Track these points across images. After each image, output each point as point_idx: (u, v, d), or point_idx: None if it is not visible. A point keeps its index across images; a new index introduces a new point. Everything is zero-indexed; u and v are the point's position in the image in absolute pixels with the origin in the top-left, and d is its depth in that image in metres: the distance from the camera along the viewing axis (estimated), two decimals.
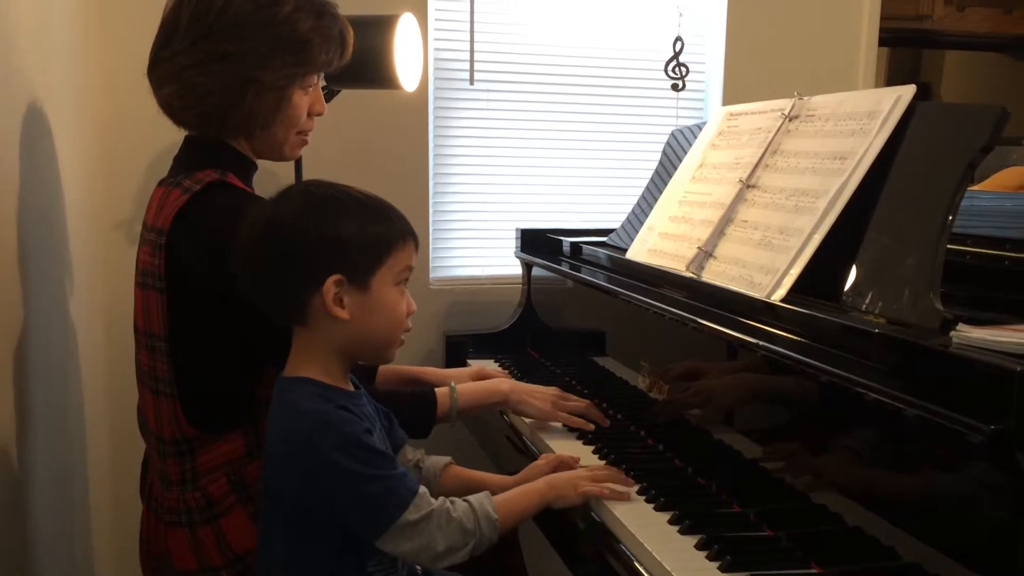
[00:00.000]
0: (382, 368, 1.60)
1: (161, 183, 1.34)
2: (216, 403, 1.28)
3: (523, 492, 1.22)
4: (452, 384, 1.52)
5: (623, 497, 1.24)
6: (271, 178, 1.38)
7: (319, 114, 1.40)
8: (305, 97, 1.35)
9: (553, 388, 1.59)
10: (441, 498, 1.13)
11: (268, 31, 1.28)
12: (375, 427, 1.15)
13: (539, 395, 1.56)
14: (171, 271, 1.26)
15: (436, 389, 1.50)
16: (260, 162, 1.40)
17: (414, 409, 1.44)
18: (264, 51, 1.27)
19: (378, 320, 1.13)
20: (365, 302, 1.11)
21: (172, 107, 1.31)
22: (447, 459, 1.33)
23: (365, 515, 1.08)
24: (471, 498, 1.15)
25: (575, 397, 1.59)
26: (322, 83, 1.43)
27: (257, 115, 1.31)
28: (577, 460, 1.35)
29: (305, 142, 1.41)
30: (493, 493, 1.25)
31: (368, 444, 1.08)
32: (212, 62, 1.26)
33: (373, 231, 1.12)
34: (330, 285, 1.08)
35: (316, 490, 1.07)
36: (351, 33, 1.39)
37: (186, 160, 1.34)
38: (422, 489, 1.10)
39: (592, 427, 1.52)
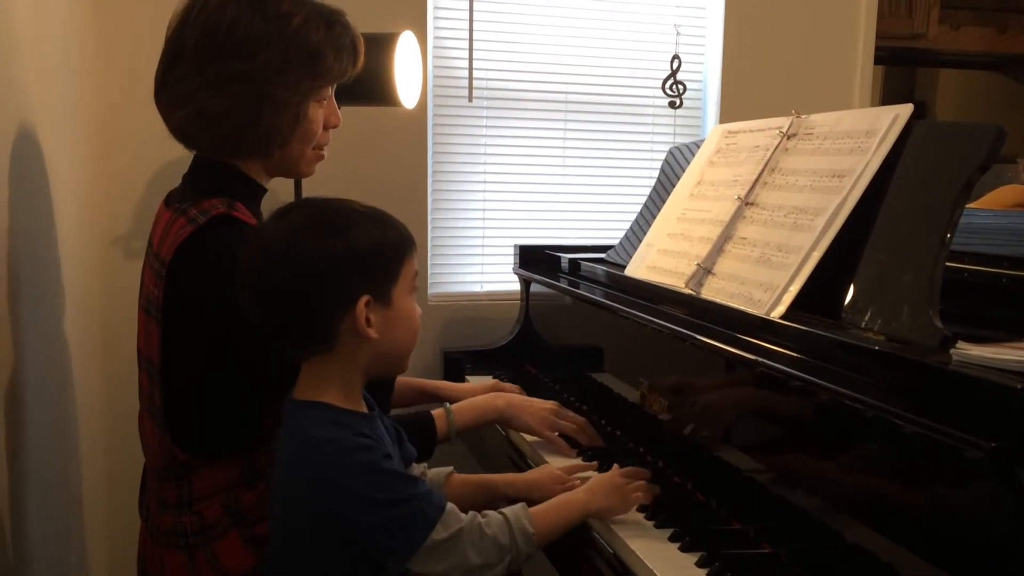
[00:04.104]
0: (400, 382, 1.58)
1: (168, 203, 1.32)
2: (209, 434, 1.25)
3: (562, 503, 1.21)
4: (447, 405, 1.52)
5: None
6: (271, 196, 1.38)
7: (334, 126, 1.37)
8: (320, 110, 1.32)
9: (551, 403, 1.59)
10: (472, 513, 1.11)
11: (279, 45, 1.24)
12: (392, 448, 1.13)
13: (533, 410, 1.55)
14: (169, 306, 1.23)
15: (432, 412, 1.50)
16: None
17: (413, 434, 1.42)
18: (277, 66, 1.24)
19: (400, 332, 1.12)
20: (389, 316, 1.09)
21: (186, 131, 1.27)
22: (449, 469, 1.33)
23: (393, 541, 1.05)
24: (507, 511, 1.13)
25: (571, 413, 1.58)
26: None
27: (275, 134, 1.27)
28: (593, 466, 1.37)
29: (321, 157, 1.38)
30: (501, 493, 1.26)
31: (389, 469, 1.06)
32: (225, 82, 1.23)
33: (388, 243, 1.10)
34: (361, 307, 1.06)
35: (340, 520, 1.04)
36: (362, 41, 1.36)
37: (194, 183, 1.31)
38: (450, 506, 1.08)
39: (574, 452, 1.51)
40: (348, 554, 1.07)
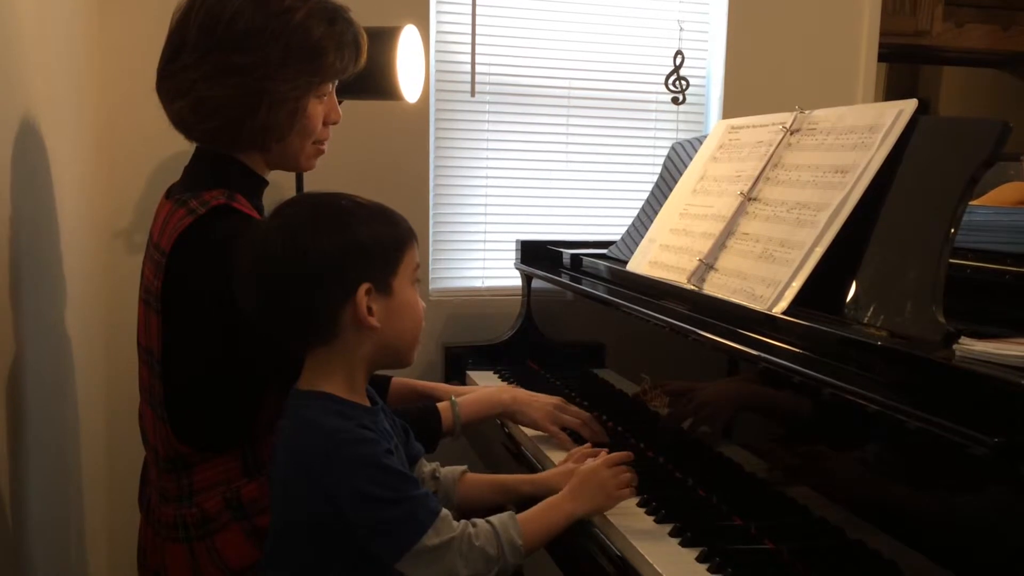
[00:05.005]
0: (395, 382, 1.58)
1: (169, 195, 1.32)
2: (209, 425, 1.25)
3: (548, 509, 1.19)
4: (452, 398, 1.51)
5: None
6: (273, 189, 1.38)
7: (334, 122, 1.37)
8: (320, 106, 1.32)
9: (555, 398, 1.58)
10: (463, 522, 1.10)
11: (280, 40, 1.24)
12: (393, 444, 1.12)
13: (538, 405, 1.55)
14: (168, 295, 1.23)
15: (438, 404, 1.50)
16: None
17: (419, 425, 1.42)
18: (277, 61, 1.24)
19: (403, 322, 1.11)
20: (391, 306, 1.09)
21: (185, 122, 1.28)
22: (463, 468, 1.32)
23: (384, 539, 1.04)
24: (495, 520, 1.12)
25: (576, 408, 1.58)
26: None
27: (272, 127, 1.28)
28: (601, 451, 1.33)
29: (321, 152, 1.38)
30: (517, 492, 1.26)
31: (388, 465, 1.05)
32: (223, 74, 1.23)
33: (386, 234, 1.10)
34: (362, 295, 1.06)
35: (334, 511, 1.04)
36: (365, 38, 1.36)
37: (195, 175, 1.31)
38: (444, 512, 1.07)
39: (574, 446, 1.49)
40: (345, 549, 1.06)
